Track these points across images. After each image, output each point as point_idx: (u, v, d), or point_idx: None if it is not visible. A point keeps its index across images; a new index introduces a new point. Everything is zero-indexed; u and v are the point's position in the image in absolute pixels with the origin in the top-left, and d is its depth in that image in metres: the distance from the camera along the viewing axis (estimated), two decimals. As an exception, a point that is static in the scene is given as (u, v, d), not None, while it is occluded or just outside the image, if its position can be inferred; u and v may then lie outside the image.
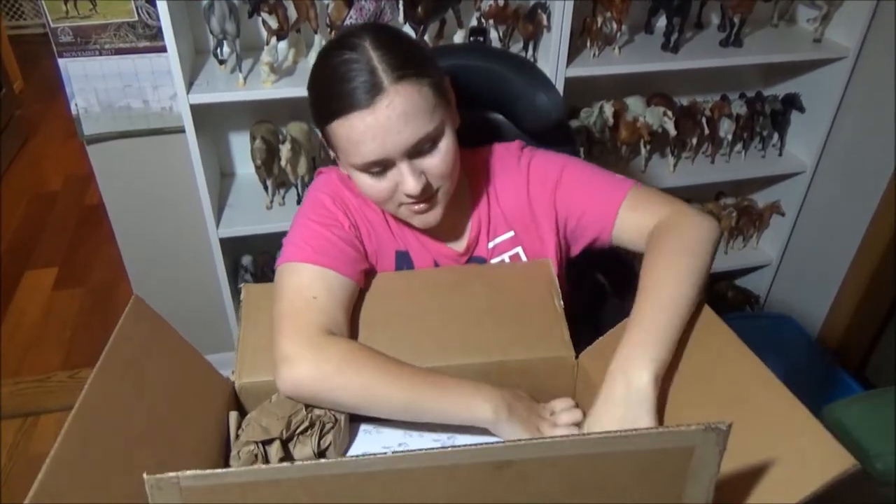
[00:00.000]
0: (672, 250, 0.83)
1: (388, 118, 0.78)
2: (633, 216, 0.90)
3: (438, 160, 0.84)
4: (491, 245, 0.98)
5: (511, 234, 0.97)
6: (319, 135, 0.88)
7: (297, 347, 0.79)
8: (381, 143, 0.79)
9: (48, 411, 1.97)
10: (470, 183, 0.98)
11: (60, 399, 2.00)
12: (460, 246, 0.98)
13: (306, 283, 0.84)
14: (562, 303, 0.88)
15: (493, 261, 0.98)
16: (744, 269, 2.25)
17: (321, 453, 0.78)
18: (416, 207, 0.87)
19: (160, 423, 0.69)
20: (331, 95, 0.80)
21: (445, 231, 0.96)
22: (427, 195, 0.86)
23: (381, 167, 0.83)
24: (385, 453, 0.46)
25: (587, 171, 0.96)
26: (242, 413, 0.82)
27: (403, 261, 0.96)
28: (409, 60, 0.80)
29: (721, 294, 2.24)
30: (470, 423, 0.79)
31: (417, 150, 0.82)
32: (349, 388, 0.78)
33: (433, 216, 0.89)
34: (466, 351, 0.84)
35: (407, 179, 0.82)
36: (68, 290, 2.47)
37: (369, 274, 0.92)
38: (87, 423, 0.60)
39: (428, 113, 0.80)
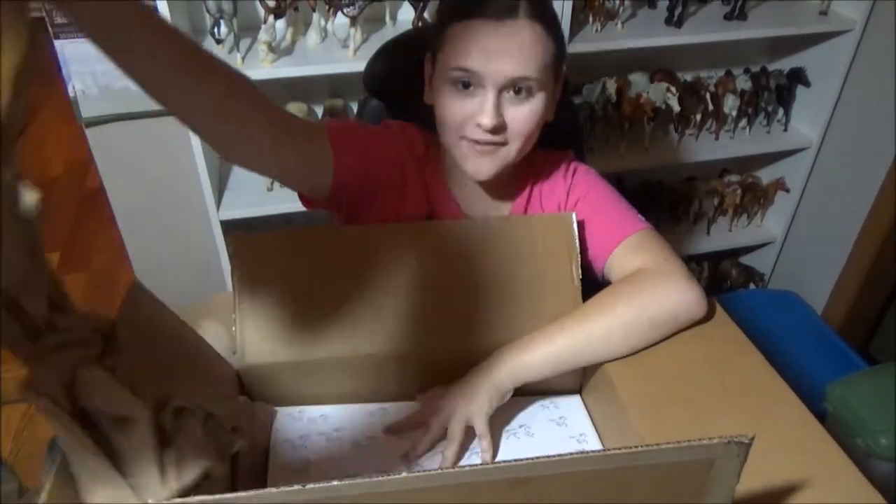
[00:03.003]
0: (625, 299, 0.81)
1: (506, 40, 0.79)
2: (624, 257, 0.87)
3: (524, 113, 0.84)
4: None
5: None
6: (435, 42, 0.86)
7: None
8: (486, 58, 0.80)
9: (53, 395, 1.98)
10: (518, 175, 0.95)
11: (65, 383, 2.01)
12: None
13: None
14: (580, 272, 0.84)
15: None
16: (748, 247, 2.24)
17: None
18: (479, 148, 0.85)
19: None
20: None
21: (480, 211, 0.96)
22: (495, 135, 0.84)
23: (469, 83, 0.82)
24: (400, 475, 0.44)
25: (610, 199, 0.94)
26: (248, 397, 0.79)
27: None
28: (550, 16, 0.83)
29: (725, 272, 2.23)
30: None
31: (511, 89, 0.82)
32: None
33: (486, 166, 0.87)
34: (465, 332, 0.80)
35: (486, 109, 0.82)
36: (70, 274, 2.47)
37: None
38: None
39: (539, 61, 0.81)
